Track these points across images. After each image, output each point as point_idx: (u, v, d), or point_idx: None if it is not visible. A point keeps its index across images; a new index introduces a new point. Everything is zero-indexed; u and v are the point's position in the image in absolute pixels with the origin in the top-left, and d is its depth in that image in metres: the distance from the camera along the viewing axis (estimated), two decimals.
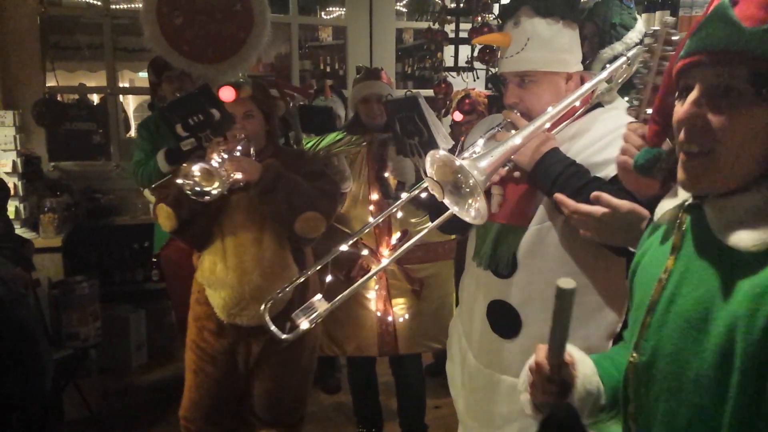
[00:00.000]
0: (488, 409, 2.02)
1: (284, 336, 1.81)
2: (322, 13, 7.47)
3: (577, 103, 1.78)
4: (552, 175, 1.73)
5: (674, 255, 1.08)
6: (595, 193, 1.49)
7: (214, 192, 2.31)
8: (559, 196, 1.59)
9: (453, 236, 3.21)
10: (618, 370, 1.25)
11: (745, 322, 0.91)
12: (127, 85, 10.43)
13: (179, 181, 2.30)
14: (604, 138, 1.78)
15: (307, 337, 2.70)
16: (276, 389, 2.71)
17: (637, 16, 2.55)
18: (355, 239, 2.31)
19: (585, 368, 1.24)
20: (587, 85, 1.78)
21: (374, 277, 3.13)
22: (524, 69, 1.85)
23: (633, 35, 2.45)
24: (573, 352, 1.25)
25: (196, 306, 2.70)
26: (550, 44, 1.83)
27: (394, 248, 3.12)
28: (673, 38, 1.54)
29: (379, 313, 3.18)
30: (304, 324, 1.75)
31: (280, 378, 2.70)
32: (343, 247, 2.03)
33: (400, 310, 3.21)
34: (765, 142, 0.94)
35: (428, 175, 1.57)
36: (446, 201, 1.58)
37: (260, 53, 3.30)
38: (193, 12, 3.08)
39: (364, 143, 3.16)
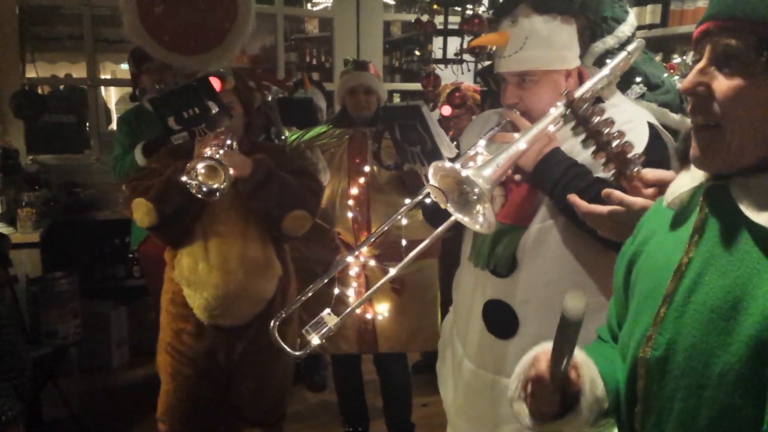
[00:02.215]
0: (483, 410, 2.00)
1: (297, 353, 1.77)
2: (308, 4, 7.38)
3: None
4: (554, 176, 1.71)
5: (695, 241, 1.00)
6: (606, 191, 1.43)
7: (222, 188, 2.23)
8: (572, 198, 1.54)
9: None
10: (614, 369, 1.18)
11: None
12: (108, 76, 10.29)
13: (184, 179, 2.21)
14: None
15: (286, 335, 2.65)
16: (258, 388, 2.66)
17: (629, 9, 2.52)
18: (362, 246, 2.31)
19: (591, 372, 1.16)
20: (588, 84, 1.75)
21: (353, 274, 3.10)
22: (524, 68, 1.82)
23: (625, 28, 2.40)
24: (576, 354, 1.17)
25: (171, 307, 2.61)
26: (549, 42, 1.80)
27: (374, 245, 3.06)
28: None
29: (358, 311, 3.12)
30: (315, 340, 1.72)
31: (261, 376, 2.64)
32: (350, 259, 2.09)
33: (379, 308, 3.15)
34: None
35: (431, 183, 1.55)
36: (451, 209, 1.56)
37: (244, 44, 3.22)
38: (174, 1, 2.99)
39: (347, 136, 3.09)
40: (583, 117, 1.49)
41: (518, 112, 1.84)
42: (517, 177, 1.87)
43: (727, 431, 0.91)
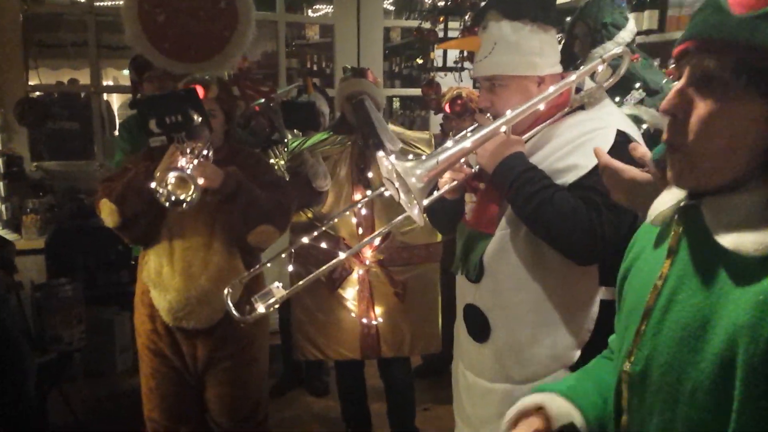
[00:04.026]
0: (468, 409, 2.06)
1: (241, 317, 1.86)
2: (309, 10, 7.41)
3: (541, 107, 1.76)
4: (509, 179, 1.74)
5: (670, 259, 1.02)
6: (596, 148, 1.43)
7: (189, 200, 2.25)
8: (597, 149, 1.48)
9: (438, 239, 3.19)
10: (600, 390, 1.22)
11: (749, 332, 0.85)
12: (111, 83, 10.31)
13: (153, 186, 2.25)
14: (571, 143, 1.78)
15: (258, 338, 2.69)
16: (228, 395, 2.66)
17: (629, 16, 2.53)
18: (354, 250, 2.32)
19: (562, 420, 1.21)
20: (551, 89, 1.76)
21: (356, 278, 3.11)
22: (492, 73, 1.86)
23: (625, 34, 2.43)
24: (547, 404, 1.23)
25: (141, 307, 2.64)
26: (517, 47, 1.82)
27: (377, 249, 3.08)
28: None
29: (360, 316, 3.14)
30: (260, 308, 1.79)
31: (231, 384, 2.65)
32: (342, 256, 2.05)
33: (382, 312, 3.16)
34: (754, 137, 0.88)
35: (384, 175, 1.58)
36: (402, 203, 1.59)
37: (246, 51, 3.24)
38: (176, 10, 3.01)
39: (349, 143, 3.11)
40: None
41: (490, 116, 1.87)
42: (482, 185, 1.91)
43: None
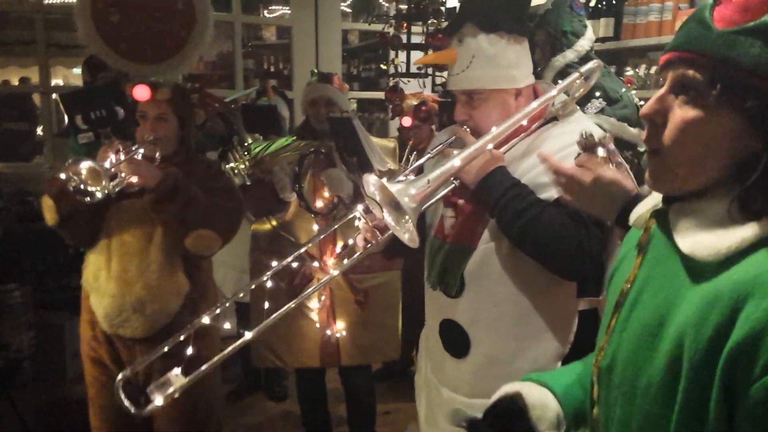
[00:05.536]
0: (441, 424, 2.02)
1: (136, 411, 1.64)
2: (265, 11, 7.34)
3: (524, 122, 1.76)
4: (494, 196, 1.72)
5: (639, 260, 1.07)
6: (580, 158, 1.44)
7: (98, 194, 2.22)
8: (541, 154, 1.52)
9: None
10: (584, 384, 1.24)
11: (694, 330, 0.89)
12: (60, 81, 10.07)
13: (63, 176, 2.20)
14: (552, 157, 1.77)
15: (205, 347, 2.53)
16: (175, 407, 2.44)
17: (587, 24, 2.57)
18: (300, 252, 2.21)
19: (536, 411, 1.25)
20: (534, 104, 1.77)
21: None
22: (470, 87, 1.84)
23: (584, 42, 2.46)
24: (525, 392, 1.27)
25: (84, 312, 2.56)
26: (495, 61, 1.80)
27: (339, 257, 3.05)
28: None
29: (321, 325, 3.11)
30: (158, 400, 1.60)
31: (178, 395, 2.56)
32: (290, 260, 1.90)
33: (343, 321, 3.14)
34: (727, 146, 0.92)
35: (368, 194, 1.54)
36: (387, 221, 1.55)
37: (202, 52, 3.19)
38: (130, 9, 2.94)
39: (312, 150, 3.09)
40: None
41: (468, 129, 1.86)
42: (461, 201, 1.89)
43: None
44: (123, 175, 2.29)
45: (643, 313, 1.01)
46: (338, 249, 3.06)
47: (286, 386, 4.25)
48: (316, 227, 3.04)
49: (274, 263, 1.82)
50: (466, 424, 1.32)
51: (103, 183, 2.20)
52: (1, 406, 3.58)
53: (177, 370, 1.65)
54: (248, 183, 3.09)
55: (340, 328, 3.12)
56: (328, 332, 3.10)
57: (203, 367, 1.67)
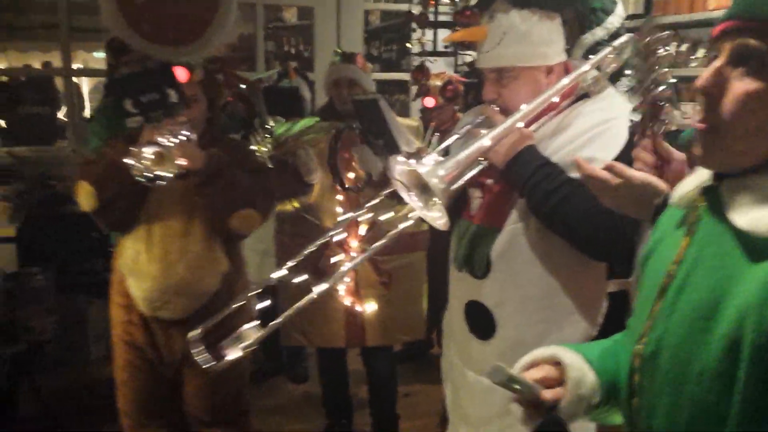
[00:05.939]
0: (467, 407, 2.01)
1: (209, 364, 1.72)
2: None
3: (556, 99, 1.73)
4: (525, 175, 1.69)
5: (688, 240, 1.01)
6: (611, 163, 1.41)
7: (167, 176, 2.19)
8: (578, 159, 1.49)
9: (425, 227, 3.15)
10: (617, 362, 1.19)
11: (757, 311, 0.85)
12: (81, 65, 10.11)
13: (130, 161, 2.16)
14: (585, 135, 1.74)
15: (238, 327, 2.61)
16: (206, 387, 2.56)
17: (617, 0, 2.50)
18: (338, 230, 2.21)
19: (577, 372, 1.18)
20: (566, 80, 1.73)
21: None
22: (501, 65, 1.80)
23: (614, 19, 2.39)
24: (561, 354, 1.20)
25: (117, 297, 2.56)
26: (527, 38, 1.77)
27: (363, 240, 3.04)
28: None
29: (346, 305, 3.11)
30: (235, 353, 1.67)
31: (208, 374, 2.58)
32: (313, 248, 1.96)
33: (368, 301, 3.14)
34: None
35: (395, 177, 1.52)
36: (413, 204, 1.53)
37: (225, 35, 3.16)
38: None
39: (334, 130, 3.06)
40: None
41: (497, 108, 1.82)
42: (489, 181, 1.86)
43: (704, 427, 0.93)
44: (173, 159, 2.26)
45: (694, 296, 0.96)
46: (362, 231, 3.04)
47: (307, 368, 4.26)
48: (339, 209, 3.02)
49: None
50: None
51: (168, 164, 2.17)
52: (23, 389, 3.61)
53: (250, 324, 1.70)
54: (270, 166, 3.07)
55: (365, 308, 3.12)
56: (355, 312, 3.10)
57: (279, 319, 1.74)
